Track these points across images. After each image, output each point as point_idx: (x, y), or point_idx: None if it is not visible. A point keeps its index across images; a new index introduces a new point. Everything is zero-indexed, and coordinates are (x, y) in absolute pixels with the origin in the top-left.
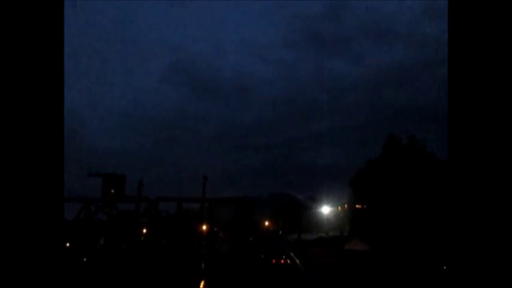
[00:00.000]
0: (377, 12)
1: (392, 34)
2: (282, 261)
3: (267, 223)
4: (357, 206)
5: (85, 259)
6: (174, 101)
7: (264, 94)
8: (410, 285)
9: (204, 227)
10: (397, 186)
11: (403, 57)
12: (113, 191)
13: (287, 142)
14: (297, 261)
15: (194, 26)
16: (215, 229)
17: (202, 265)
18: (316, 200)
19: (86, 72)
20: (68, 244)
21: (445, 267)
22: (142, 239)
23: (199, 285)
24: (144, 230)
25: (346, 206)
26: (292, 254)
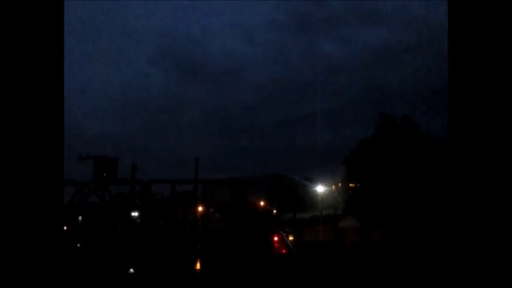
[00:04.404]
0: None
1: (379, 15)
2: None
3: (262, 203)
4: (351, 184)
5: (81, 243)
6: (163, 84)
7: (253, 76)
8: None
9: (200, 208)
10: (390, 164)
11: (390, 38)
12: (105, 174)
13: (279, 123)
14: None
15: (181, 9)
16: (211, 210)
17: (198, 245)
18: (310, 180)
19: (75, 56)
20: (64, 228)
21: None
22: (138, 221)
23: (195, 264)
24: (139, 213)
25: (340, 184)
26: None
